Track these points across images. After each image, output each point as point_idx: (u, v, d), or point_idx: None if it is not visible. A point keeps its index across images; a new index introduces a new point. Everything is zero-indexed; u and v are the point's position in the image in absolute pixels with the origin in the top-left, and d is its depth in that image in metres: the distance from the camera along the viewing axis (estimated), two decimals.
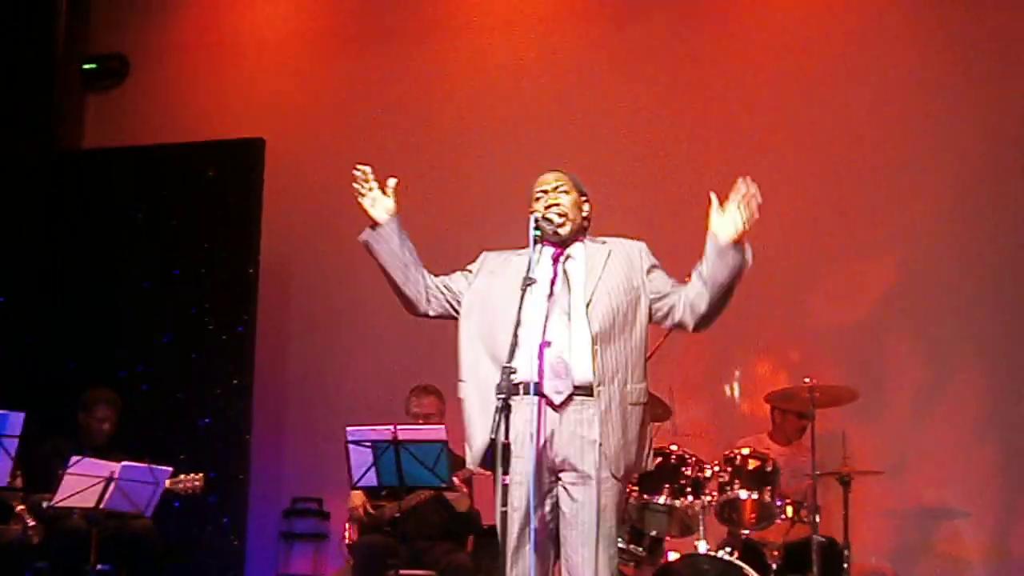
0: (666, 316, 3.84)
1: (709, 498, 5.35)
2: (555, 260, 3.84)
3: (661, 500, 5.31)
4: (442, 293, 3.93)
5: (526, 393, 3.62)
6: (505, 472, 3.54)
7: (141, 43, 7.96)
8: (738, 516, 5.42)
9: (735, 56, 7.06)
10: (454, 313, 3.92)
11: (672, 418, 5.42)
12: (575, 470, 3.68)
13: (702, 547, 5.25)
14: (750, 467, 5.42)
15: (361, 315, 7.22)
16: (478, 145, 7.25)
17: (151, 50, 7.94)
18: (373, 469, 5.15)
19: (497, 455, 3.49)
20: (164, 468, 5.53)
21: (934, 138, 6.64)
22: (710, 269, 3.70)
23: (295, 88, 7.69)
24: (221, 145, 7.24)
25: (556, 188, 3.90)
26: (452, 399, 6.06)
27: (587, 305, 3.73)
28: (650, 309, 3.82)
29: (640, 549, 5.43)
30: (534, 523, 3.60)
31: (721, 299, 3.73)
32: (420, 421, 5.79)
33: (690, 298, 3.76)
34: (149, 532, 5.77)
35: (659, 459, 5.15)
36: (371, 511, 5.83)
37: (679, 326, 3.85)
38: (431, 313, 3.94)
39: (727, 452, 5.49)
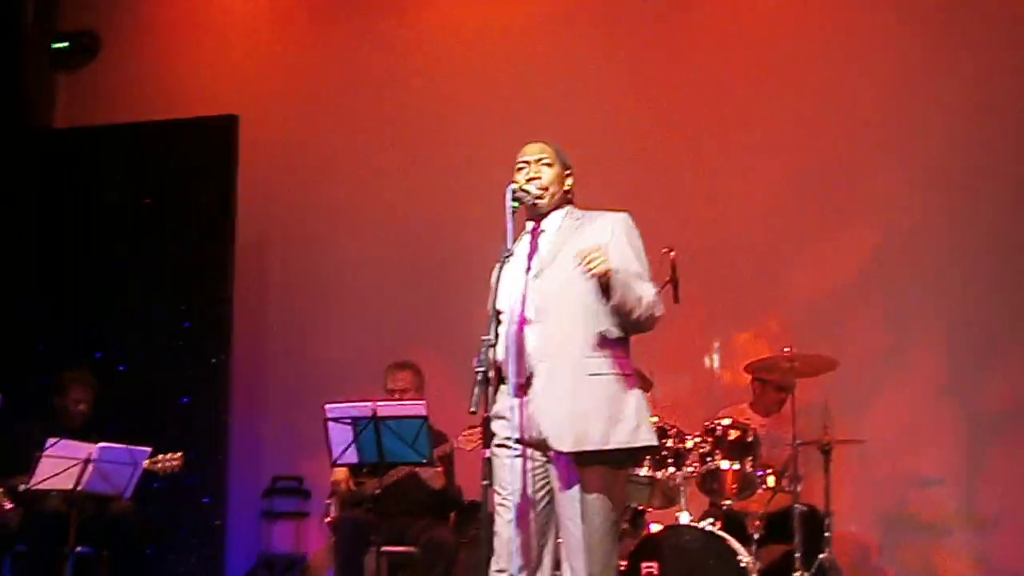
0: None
1: (691, 469, 5.34)
2: (533, 234, 3.78)
3: (643, 472, 5.31)
4: None
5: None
6: (486, 445, 3.52)
7: (112, 20, 7.85)
8: (720, 487, 5.42)
9: (715, 25, 7.01)
10: None
11: (653, 390, 5.41)
12: (546, 448, 3.62)
13: (684, 518, 5.26)
14: (731, 437, 5.43)
15: (339, 291, 7.17)
16: (454, 116, 7.19)
17: (123, 27, 7.84)
18: (353, 446, 5.13)
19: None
20: (142, 448, 5.49)
21: (914, 109, 6.61)
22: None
23: (269, 64, 7.61)
24: (195, 122, 7.14)
25: (539, 160, 3.80)
26: (433, 375, 6.10)
27: (535, 277, 3.65)
28: None
29: (622, 521, 5.43)
30: (515, 499, 3.58)
31: (627, 317, 3.59)
32: (397, 396, 5.77)
33: None
34: (130, 514, 5.73)
35: None
36: (353, 487, 5.82)
37: None
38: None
39: (708, 423, 5.49)
